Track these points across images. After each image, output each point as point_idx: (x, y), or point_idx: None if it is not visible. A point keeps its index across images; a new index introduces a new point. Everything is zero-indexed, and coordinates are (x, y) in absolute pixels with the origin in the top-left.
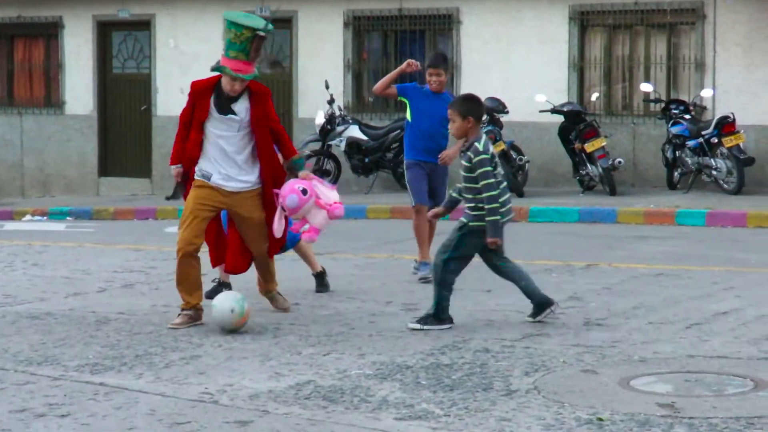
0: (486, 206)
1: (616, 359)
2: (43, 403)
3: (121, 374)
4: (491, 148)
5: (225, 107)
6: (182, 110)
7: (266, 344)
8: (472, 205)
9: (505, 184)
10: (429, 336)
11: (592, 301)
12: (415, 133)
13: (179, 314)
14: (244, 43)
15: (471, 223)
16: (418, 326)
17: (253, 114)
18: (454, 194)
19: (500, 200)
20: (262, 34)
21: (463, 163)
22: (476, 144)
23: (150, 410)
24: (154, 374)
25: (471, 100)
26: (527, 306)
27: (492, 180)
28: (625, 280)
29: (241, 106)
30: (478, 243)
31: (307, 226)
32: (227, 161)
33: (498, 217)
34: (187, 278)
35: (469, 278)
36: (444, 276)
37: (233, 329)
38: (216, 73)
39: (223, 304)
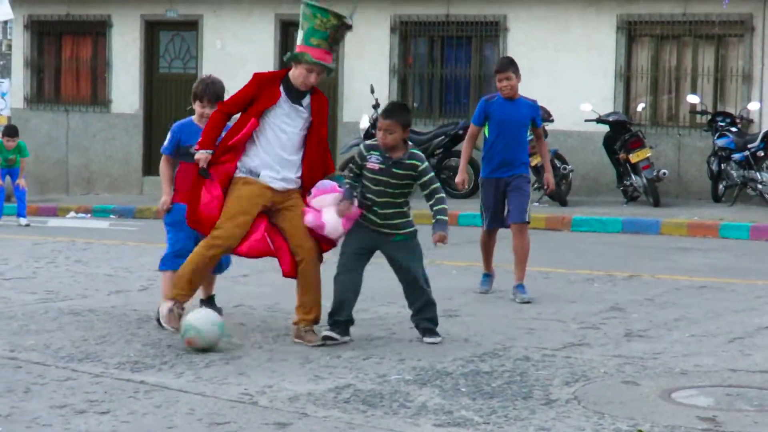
0: (441, 206)
1: (658, 371)
2: (83, 400)
3: (161, 373)
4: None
5: (295, 98)
6: (233, 100)
7: (305, 347)
8: (401, 211)
9: None
10: (469, 343)
11: (634, 312)
12: (489, 147)
13: (172, 309)
14: (328, 31)
15: (413, 229)
16: (438, 339)
17: (315, 115)
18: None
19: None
20: (349, 23)
21: (400, 171)
22: (416, 152)
23: (190, 409)
24: (195, 373)
25: (408, 110)
26: (569, 315)
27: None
28: (667, 291)
29: (306, 103)
30: None
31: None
32: (280, 157)
33: (446, 217)
34: (204, 273)
35: (511, 286)
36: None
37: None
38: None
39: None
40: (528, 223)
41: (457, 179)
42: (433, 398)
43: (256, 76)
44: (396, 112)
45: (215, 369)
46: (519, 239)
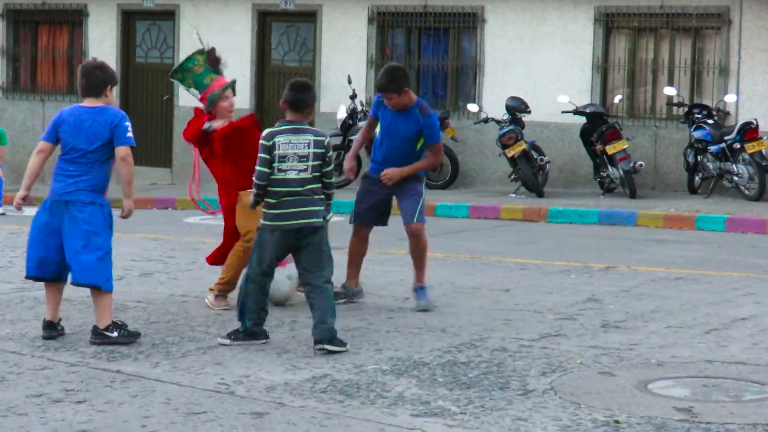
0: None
1: (634, 362)
2: (59, 389)
3: (137, 362)
4: (271, 135)
5: None
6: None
7: (283, 337)
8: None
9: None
10: (446, 333)
11: (611, 304)
12: (375, 146)
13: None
14: (206, 65)
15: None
16: (227, 342)
17: None
18: None
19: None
20: (207, 48)
21: None
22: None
23: (166, 399)
24: (171, 363)
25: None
26: (546, 306)
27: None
28: (643, 283)
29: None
30: (268, 240)
31: None
32: None
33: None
34: None
35: (488, 277)
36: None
37: (285, 300)
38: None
39: (281, 274)
40: (422, 223)
41: (346, 166)
42: (410, 388)
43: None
44: None
45: (192, 359)
46: (413, 242)
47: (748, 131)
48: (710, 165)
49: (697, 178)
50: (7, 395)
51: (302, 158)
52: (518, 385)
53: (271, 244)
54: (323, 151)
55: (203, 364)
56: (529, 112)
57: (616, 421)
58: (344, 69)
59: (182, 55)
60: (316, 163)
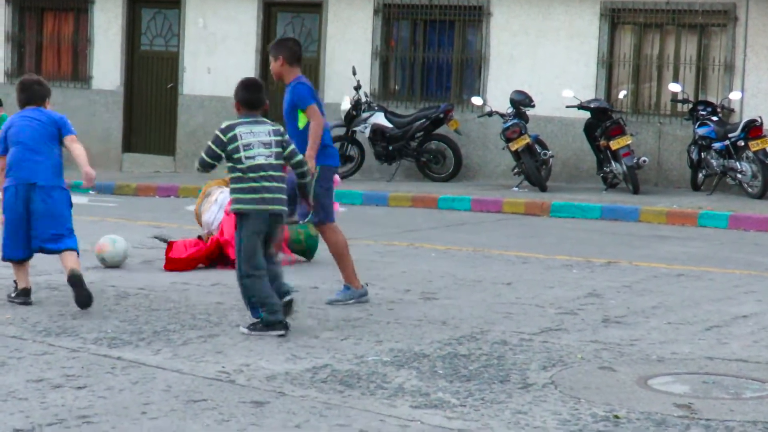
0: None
1: (634, 357)
2: (60, 374)
3: (138, 349)
4: (230, 128)
5: None
6: None
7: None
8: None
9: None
10: (447, 326)
11: (612, 299)
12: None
13: None
14: None
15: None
16: (246, 331)
17: None
18: None
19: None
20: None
21: None
22: None
23: (166, 386)
24: (172, 351)
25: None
26: (547, 300)
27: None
28: (645, 278)
29: None
30: (249, 225)
31: None
32: None
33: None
34: None
35: (490, 270)
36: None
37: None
38: None
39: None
40: (324, 223)
41: None
42: (410, 380)
43: None
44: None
45: (193, 347)
46: (326, 240)
47: (753, 129)
48: (714, 162)
49: (700, 174)
50: (7, 380)
51: (266, 145)
52: (518, 379)
53: (251, 229)
54: (281, 138)
55: (204, 353)
56: (534, 106)
57: (616, 416)
58: (349, 60)
59: (187, 43)
60: (278, 150)
